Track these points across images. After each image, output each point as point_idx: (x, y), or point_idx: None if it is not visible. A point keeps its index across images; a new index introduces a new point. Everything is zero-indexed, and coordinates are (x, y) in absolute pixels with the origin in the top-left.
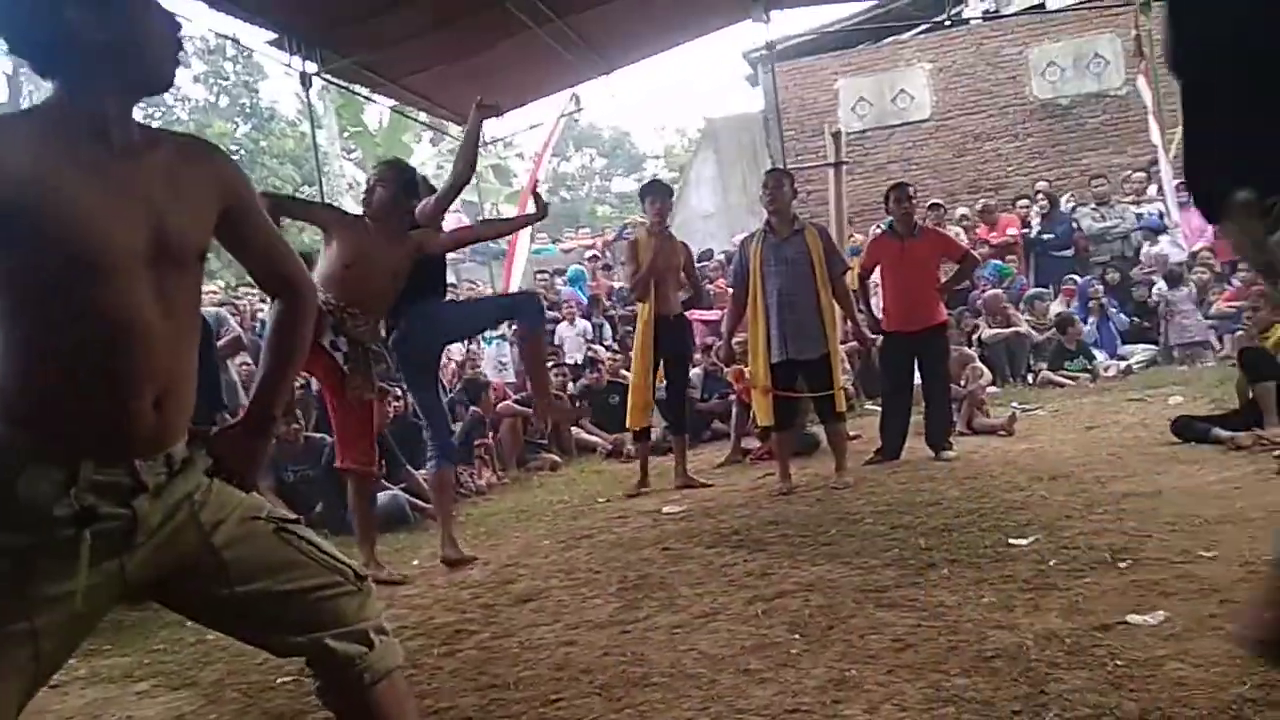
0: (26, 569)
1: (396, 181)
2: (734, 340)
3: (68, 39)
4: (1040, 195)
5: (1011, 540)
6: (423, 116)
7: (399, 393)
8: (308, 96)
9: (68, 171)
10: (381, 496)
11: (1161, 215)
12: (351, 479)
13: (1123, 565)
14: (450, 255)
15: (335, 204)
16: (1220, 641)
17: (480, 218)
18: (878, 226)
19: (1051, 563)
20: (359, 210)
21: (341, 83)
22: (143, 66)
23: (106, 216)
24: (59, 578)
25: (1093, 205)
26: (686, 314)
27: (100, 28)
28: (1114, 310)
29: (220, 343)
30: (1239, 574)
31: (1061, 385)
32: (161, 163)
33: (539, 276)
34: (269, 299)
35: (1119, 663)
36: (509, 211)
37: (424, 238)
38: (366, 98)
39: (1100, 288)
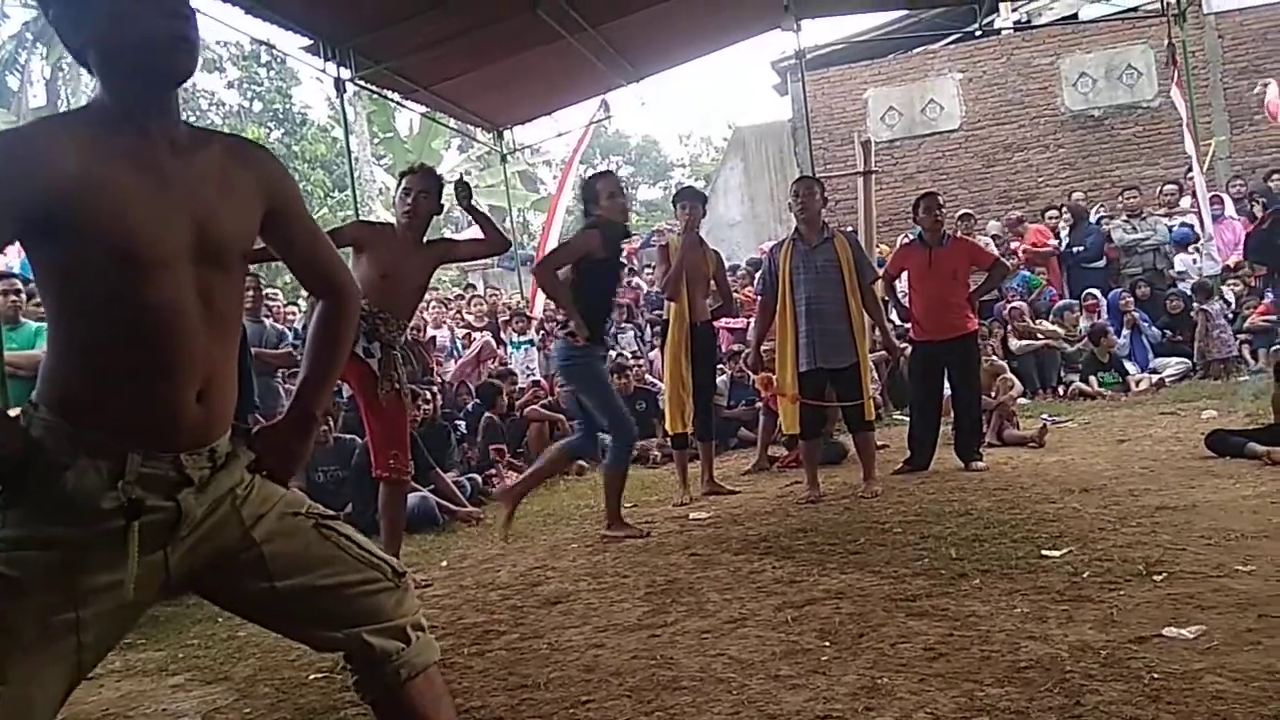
0: (74, 560)
1: (438, 191)
2: (762, 348)
3: (70, 39)
4: (1064, 208)
5: (1044, 551)
6: (452, 122)
7: (428, 395)
8: (341, 102)
9: (117, 169)
10: (411, 498)
11: (1194, 228)
12: (385, 486)
13: (1158, 578)
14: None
15: (363, 218)
16: (1260, 656)
17: (506, 224)
18: (905, 236)
19: (1085, 575)
20: (390, 217)
21: (374, 88)
22: (139, 62)
23: (153, 213)
24: (105, 569)
25: (1124, 217)
26: (714, 322)
27: (77, 27)
28: (1145, 323)
29: (274, 352)
30: (1277, 589)
31: (1093, 397)
32: (209, 162)
33: None
34: (310, 300)
35: (1155, 675)
36: (536, 220)
37: (446, 250)
38: (398, 103)
39: (1131, 299)
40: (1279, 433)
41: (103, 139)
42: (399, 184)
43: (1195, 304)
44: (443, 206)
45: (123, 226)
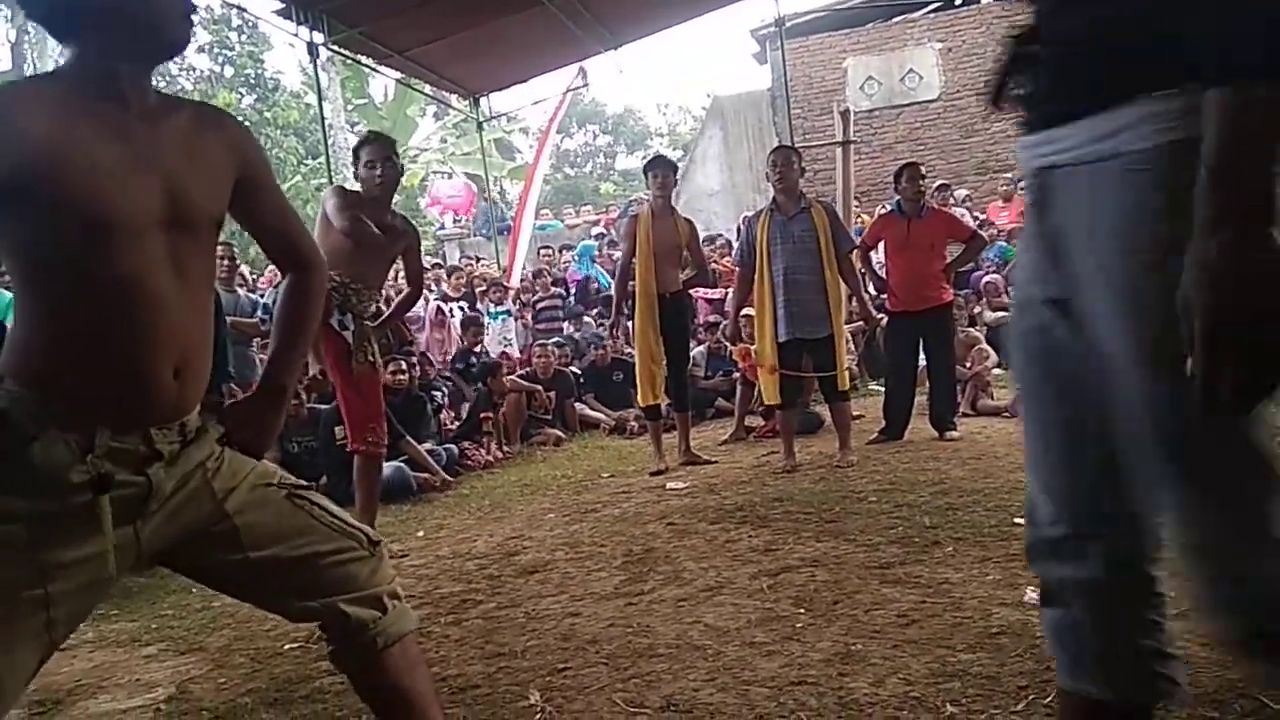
0: (41, 535)
1: (396, 156)
2: (739, 318)
3: (74, 1)
4: None
5: (1017, 520)
6: (428, 89)
7: (404, 365)
8: (314, 67)
9: (86, 135)
10: (385, 468)
11: None
12: (360, 458)
13: None
14: (453, 231)
15: (338, 185)
16: None
17: (485, 195)
18: (883, 206)
19: None
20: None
21: (347, 54)
22: (151, 28)
23: (124, 180)
24: (74, 544)
25: None
26: (690, 292)
27: None
28: None
29: (249, 321)
30: None
31: None
32: (179, 129)
33: (543, 253)
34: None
35: None
36: (513, 188)
37: (411, 240)
38: (372, 69)
39: None
40: None
41: (75, 105)
42: (359, 155)
43: None
44: (403, 169)
45: (93, 194)
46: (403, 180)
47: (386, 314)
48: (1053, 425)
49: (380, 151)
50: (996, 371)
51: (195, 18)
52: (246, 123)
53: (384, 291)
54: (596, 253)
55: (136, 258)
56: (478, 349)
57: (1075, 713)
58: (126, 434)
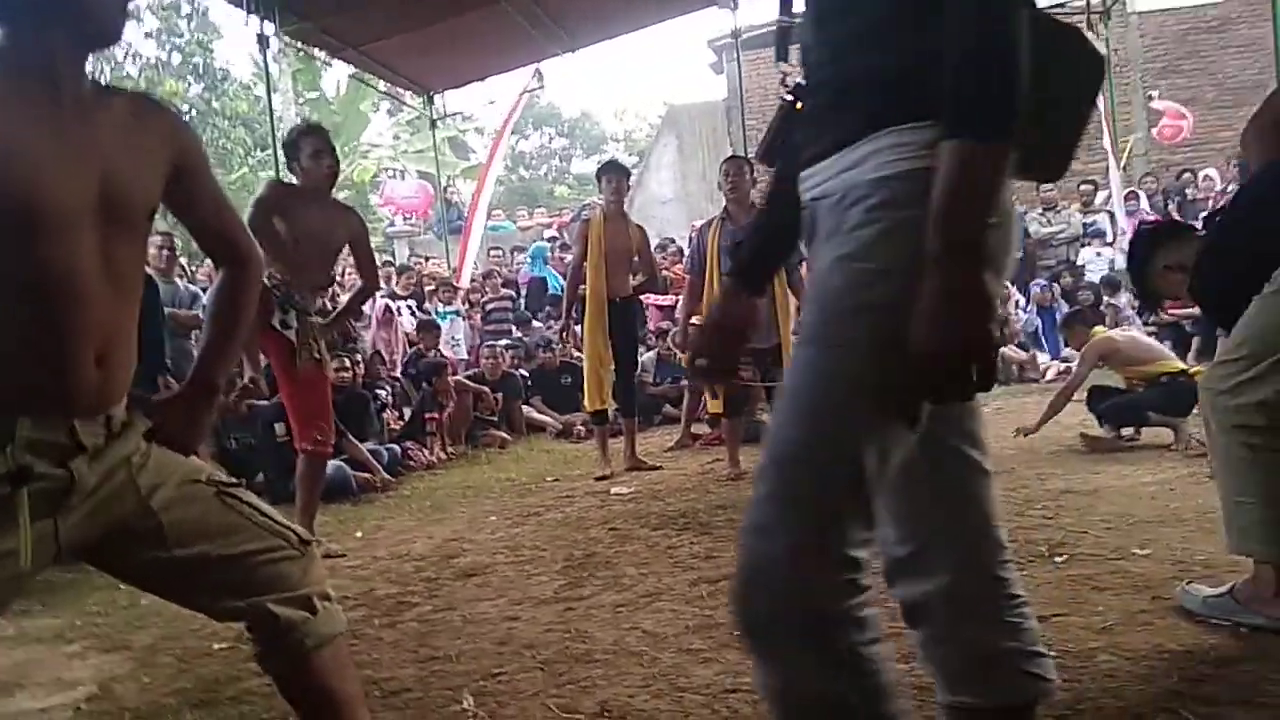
0: None
1: (334, 148)
2: (689, 325)
3: None
4: None
5: None
6: (382, 85)
7: (348, 363)
8: (264, 58)
9: (16, 122)
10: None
11: (1103, 221)
12: (305, 458)
13: (1059, 560)
14: (403, 228)
15: (274, 179)
16: (1151, 636)
17: (442, 195)
18: None
19: None
20: (292, 178)
21: (300, 45)
22: (88, 16)
23: (55, 169)
24: None
25: (1040, 210)
26: (641, 298)
27: None
28: (1058, 314)
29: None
30: (1171, 572)
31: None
32: (114, 118)
33: (493, 253)
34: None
35: (1053, 654)
36: (467, 188)
37: (360, 231)
38: (325, 62)
39: (1054, 290)
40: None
41: (5, 91)
42: (300, 147)
43: (1105, 297)
44: (339, 160)
45: (22, 182)
46: (353, 176)
47: (338, 310)
48: None
49: (325, 141)
50: None
51: (134, 2)
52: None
53: (330, 289)
54: (549, 254)
55: (64, 249)
56: (431, 352)
57: None
58: (48, 425)
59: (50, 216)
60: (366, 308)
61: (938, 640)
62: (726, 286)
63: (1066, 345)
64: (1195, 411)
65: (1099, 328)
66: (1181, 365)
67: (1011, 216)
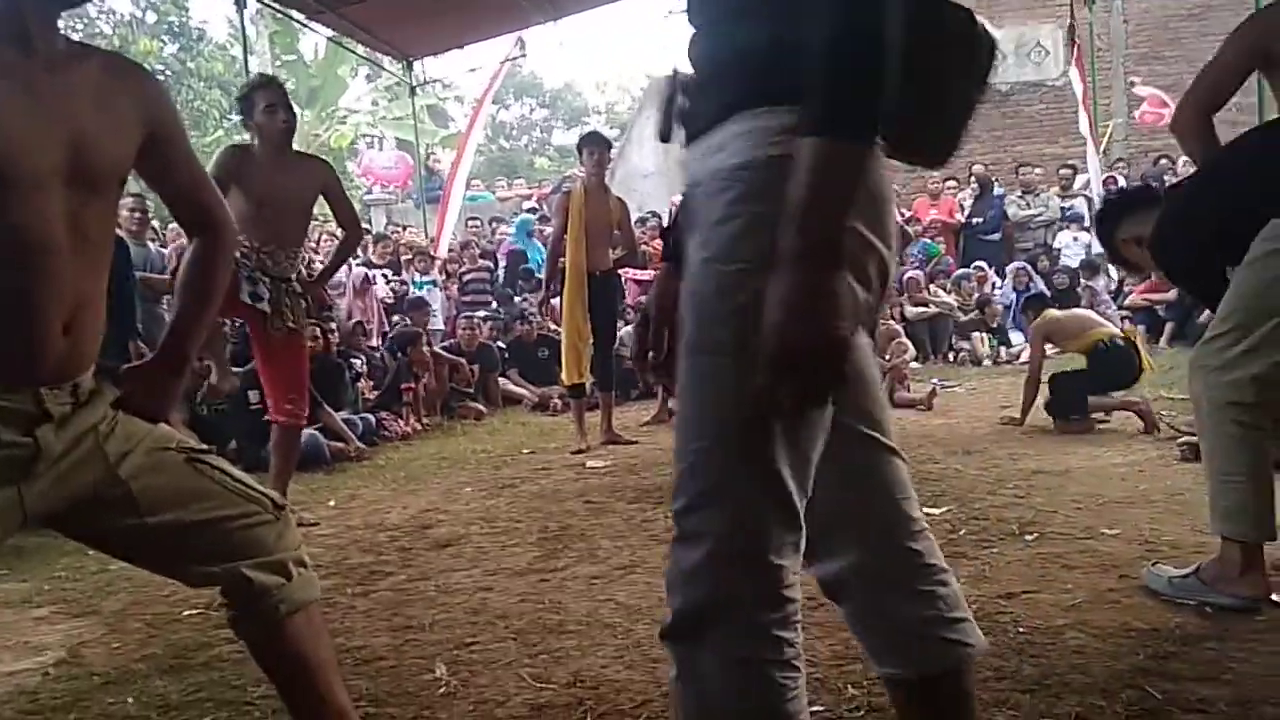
0: None
1: (290, 103)
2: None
3: None
4: (972, 179)
5: (925, 509)
6: (360, 49)
7: (316, 334)
8: (241, 19)
9: None
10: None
11: (1081, 206)
12: (279, 429)
13: (1030, 538)
14: (380, 196)
15: (230, 148)
16: (1118, 614)
17: (423, 164)
18: None
19: (962, 532)
20: (247, 138)
21: (278, 7)
22: None
23: (24, 129)
24: None
25: (1019, 193)
26: (620, 272)
27: None
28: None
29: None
30: (1139, 552)
31: (978, 362)
32: (86, 79)
33: (471, 224)
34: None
35: (1021, 630)
36: (446, 156)
37: (330, 181)
38: (303, 24)
39: (1028, 273)
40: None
41: None
42: (254, 101)
43: (1081, 280)
44: (294, 114)
45: None
46: (330, 142)
47: (323, 268)
48: None
49: (279, 95)
50: (914, 365)
51: None
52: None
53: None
54: (534, 227)
55: (31, 212)
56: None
57: (896, 695)
58: (13, 392)
59: (17, 178)
60: (343, 275)
61: (858, 615)
62: (662, 272)
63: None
64: (1148, 389)
65: (1050, 310)
66: (1113, 330)
67: (883, 211)
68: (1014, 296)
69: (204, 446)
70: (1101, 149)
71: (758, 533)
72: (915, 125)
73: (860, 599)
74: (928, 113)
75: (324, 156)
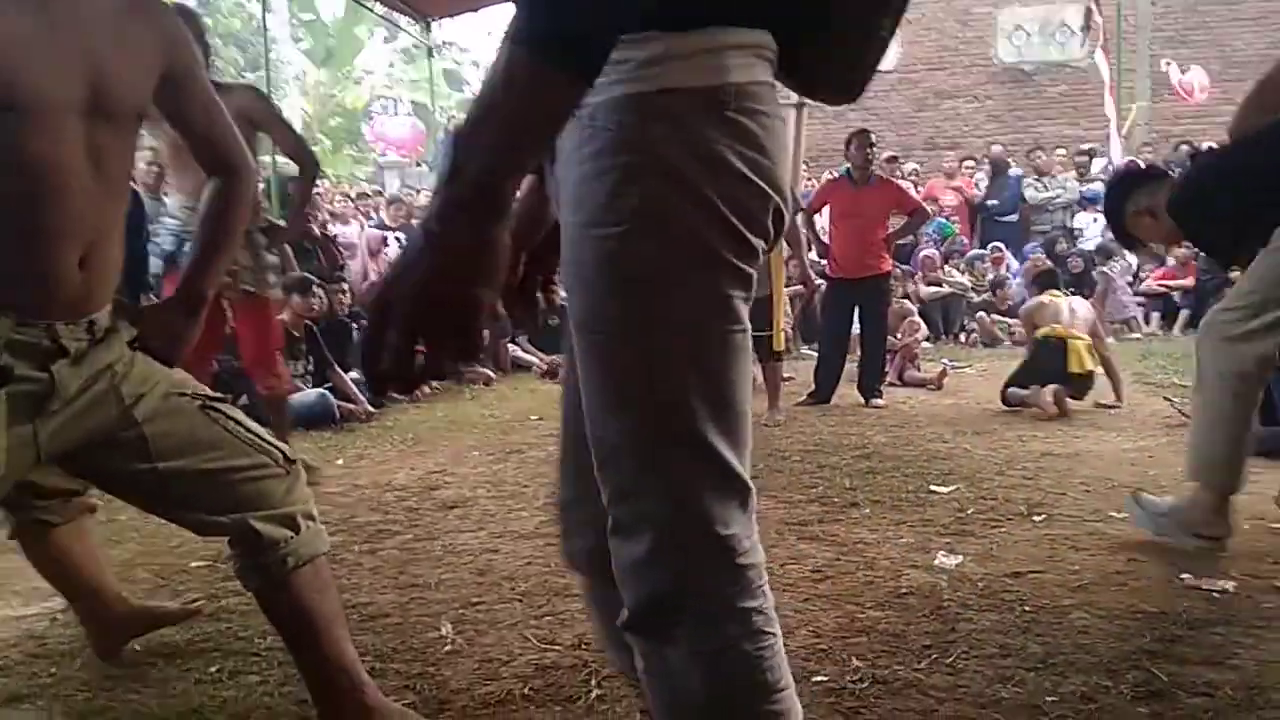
0: None
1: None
2: None
3: None
4: (985, 160)
5: (933, 487)
6: (378, 9)
7: (322, 294)
8: None
9: (4, 9)
10: (310, 395)
11: (1099, 189)
12: (263, 400)
13: (1038, 519)
14: (395, 159)
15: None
16: (1125, 596)
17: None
18: (831, 172)
19: (970, 511)
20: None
21: None
22: None
23: (42, 60)
24: None
25: (1035, 175)
26: None
27: None
28: None
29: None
30: (1147, 536)
31: (991, 344)
32: (106, 11)
33: None
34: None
35: (1027, 609)
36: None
37: (266, 113)
38: None
39: (1044, 256)
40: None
41: None
42: None
43: (1097, 264)
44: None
45: (7, 72)
46: (345, 102)
47: (290, 216)
48: (563, 401)
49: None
50: (926, 345)
51: None
52: None
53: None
54: None
55: (48, 142)
56: None
57: None
58: (29, 326)
59: (34, 106)
60: (356, 237)
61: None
62: (529, 186)
63: None
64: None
65: (1051, 291)
66: (1058, 328)
67: (778, 159)
68: (1023, 294)
69: (218, 395)
70: (1124, 132)
71: (700, 512)
72: (818, 59)
73: (592, 580)
74: (835, 37)
75: (339, 118)
